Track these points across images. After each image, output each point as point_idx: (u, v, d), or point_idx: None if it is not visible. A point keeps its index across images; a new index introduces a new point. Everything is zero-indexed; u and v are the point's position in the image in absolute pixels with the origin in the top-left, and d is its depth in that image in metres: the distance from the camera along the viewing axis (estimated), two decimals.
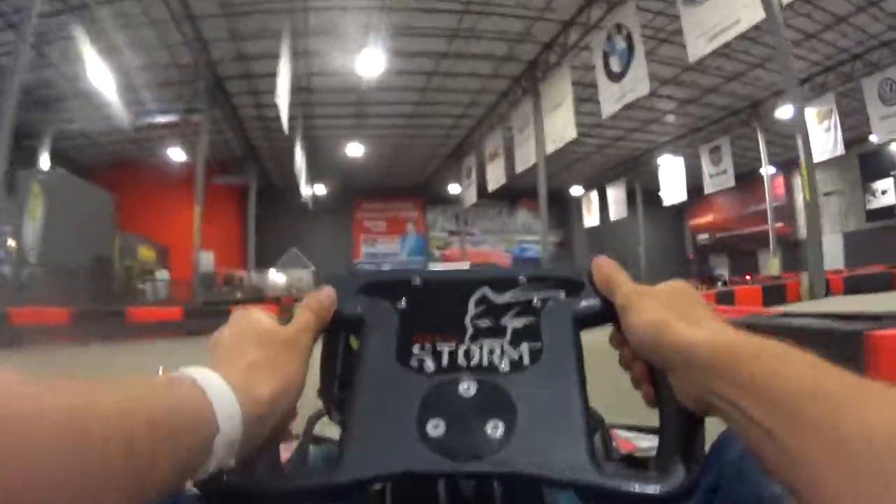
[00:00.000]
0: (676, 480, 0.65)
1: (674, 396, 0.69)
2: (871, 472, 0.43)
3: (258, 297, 32.72)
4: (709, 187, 37.96)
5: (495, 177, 34.48)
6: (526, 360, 0.77)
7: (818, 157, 26.74)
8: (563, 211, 49.08)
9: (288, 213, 42.62)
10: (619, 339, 0.79)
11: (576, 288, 0.84)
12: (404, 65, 28.03)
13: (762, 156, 35.45)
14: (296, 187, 36.35)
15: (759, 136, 34.84)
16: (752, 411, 0.54)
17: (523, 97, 30.07)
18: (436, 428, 0.70)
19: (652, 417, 0.79)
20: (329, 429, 1.11)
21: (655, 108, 34.75)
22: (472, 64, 29.14)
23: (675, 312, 0.69)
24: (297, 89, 26.67)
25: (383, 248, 49.85)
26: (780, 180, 41.08)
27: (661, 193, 42.66)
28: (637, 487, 0.65)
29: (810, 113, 28.43)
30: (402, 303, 0.85)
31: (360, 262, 47.61)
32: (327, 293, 0.84)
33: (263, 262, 41.26)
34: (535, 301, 0.83)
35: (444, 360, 0.78)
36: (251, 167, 38.89)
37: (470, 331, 0.81)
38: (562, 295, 0.83)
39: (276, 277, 41.72)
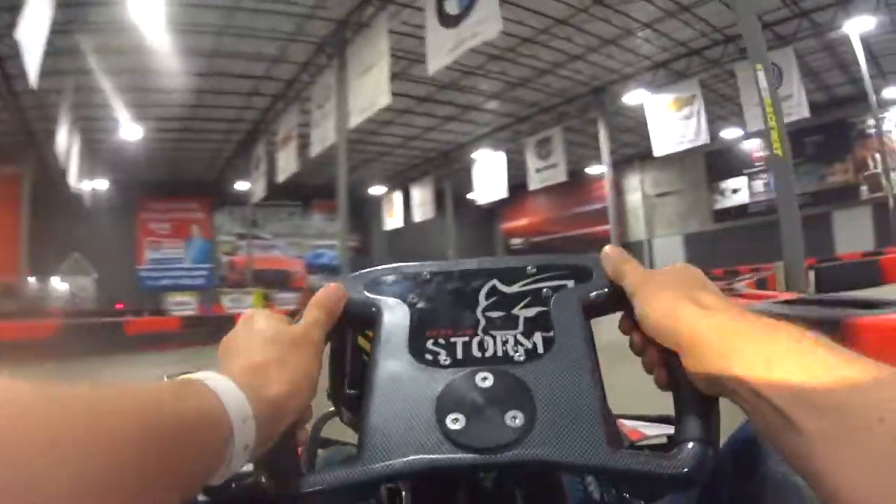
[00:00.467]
0: (694, 460, 0.67)
1: (687, 379, 0.70)
2: (887, 455, 0.45)
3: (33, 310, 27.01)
4: (534, 182, 33.61)
5: (286, 165, 28.45)
6: (540, 349, 0.78)
7: (676, 146, 26.11)
8: (362, 212, 44.05)
9: (70, 211, 35.03)
10: (629, 326, 0.80)
11: (584, 276, 0.86)
12: (188, 16, 20.52)
13: (603, 147, 30.49)
14: (69, 180, 28.47)
15: (601, 126, 30.76)
16: (768, 394, 0.55)
17: (328, 65, 23.89)
18: (455, 421, 0.71)
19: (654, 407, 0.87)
20: (341, 431, 1.08)
21: (479, 89, 29.69)
22: (271, 20, 22.10)
23: (687, 294, 0.71)
24: (69, 51, 20.25)
25: (169, 253, 43.52)
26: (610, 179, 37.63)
27: (473, 192, 37.95)
28: (657, 468, 0.67)
29: (666, 99, 26.50)
30: (413, 297, 0.87)
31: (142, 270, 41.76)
32: (336, 288, 0.86)
33: (45, 269, 35.03)
34: (544, 290, 0.85)
35: (459, 353, 0.80)
36: (28, 154, 30.56)
37: (482, 322, 0.83)
38: (571, 283, 0.86)
39: (59, 286, 36.81)
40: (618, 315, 0.83)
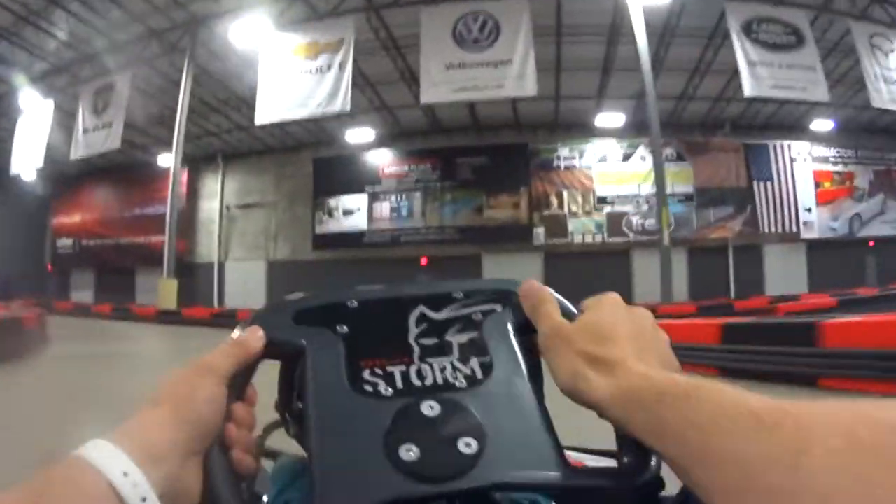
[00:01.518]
0: (644, 474, 0.68)
1: None
2: (776, 492, 0.45)
3: None
4: (80, 149, 24.91)
5: None
6: (479, 374, 0.79)
7: (295, 111, 19.35)
8: None
9: None
10: None
11: (510, 299, 0.87)
12: None
13: (181, 106, 21.70)
14: None
15: (186, 74, 21.77)
16: (668, 452, 0.57)
17: None
18: (408, 452, 0.70)
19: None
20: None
21: None
22: None
23: (590, 357, 0.70)
24: None
25: None
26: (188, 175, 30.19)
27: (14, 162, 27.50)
28: (608, 482, 0.70)
29: (294, 41, 19.34)
30: (342, 328, 0.85)
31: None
32: (252, 333, 0.81)
33: None
34: (474, 315, 0.86)
35: (399, 383, 0.79)
36: None
37: (417, 350, 0.82)
38: (499, 308, 0.87)
39: None
40: None
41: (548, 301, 0.81)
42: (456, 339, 0.83)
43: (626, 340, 0.71)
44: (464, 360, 0.80)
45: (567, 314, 0.80)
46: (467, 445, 0.68)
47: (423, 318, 0.86)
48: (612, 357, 0.69)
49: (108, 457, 0.57)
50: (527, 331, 0.82)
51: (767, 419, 0.49)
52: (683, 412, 0.55)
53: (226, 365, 0.73)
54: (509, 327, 0.83)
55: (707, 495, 0.51)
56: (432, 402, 0.74)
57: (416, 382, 0.77)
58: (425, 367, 0.79)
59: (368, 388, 0.77)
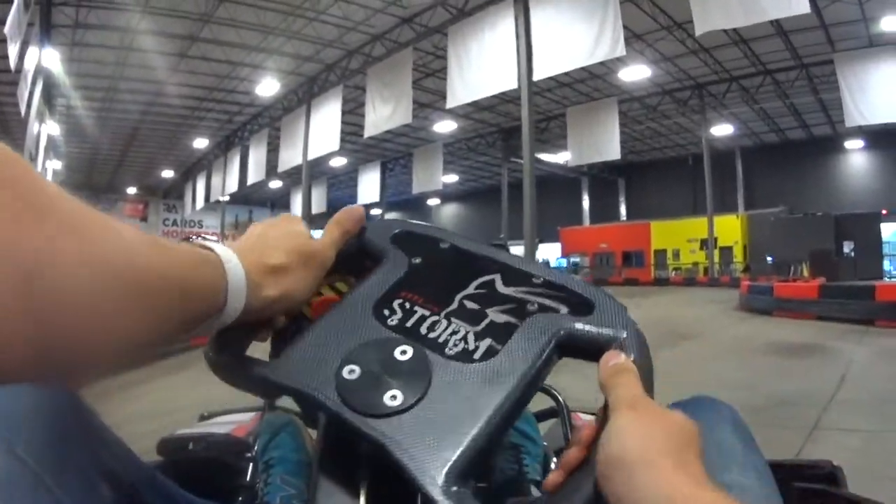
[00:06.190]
0: None
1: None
2: None
3: None
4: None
5: None
6: (477, 355, 0.77)
7: None
8: None
9: None
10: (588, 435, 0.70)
11: (583, 309, 0.81)
12: None
13: None
14: None
15: None
16: None
17: None
18: (351, 373, 0.73)
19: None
20: None
21: None
22: None
23: (678, 458, 0.57)
24: None
25: None
26: None
27: None
28: None
29: None
30: (418, 259, 0.90)
31: None
32: (358, 209, 0.91)
33: None
34: (530, 305, 0.83)
35: (409, 321, 0.81)
36: None
37: (453, 306, 0.83)
38: (564, 310, 0.82)
39: None
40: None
41: (632, 371, 0.68)
42: (494, 315, 0.80)
43: (701, 469, 0.57)
44: (480, 336, 0.77)
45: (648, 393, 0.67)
46: (393, 398, 0.70)
47: (487, 284, 0.85)
48: (698, 467, 0.57)
49: (236, 270, 0.69)
50: (569, 349, 0.78)
51: None
52: None
53: (329, 259, 0.84)
54: (550, 334, 0.77)
55: None
56: (409, 350, 0.75)
57: (423, 330, 0.78)
58: (443, 322, 0.80)
59: (386, 312, 0.81)
